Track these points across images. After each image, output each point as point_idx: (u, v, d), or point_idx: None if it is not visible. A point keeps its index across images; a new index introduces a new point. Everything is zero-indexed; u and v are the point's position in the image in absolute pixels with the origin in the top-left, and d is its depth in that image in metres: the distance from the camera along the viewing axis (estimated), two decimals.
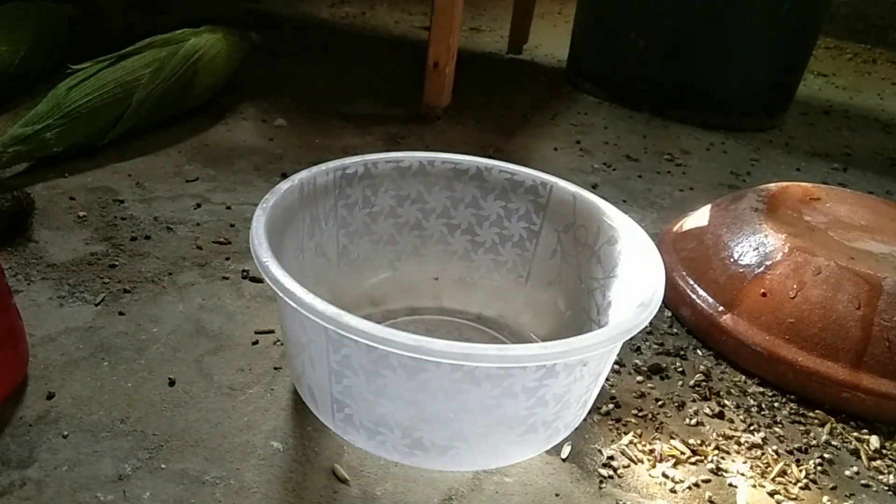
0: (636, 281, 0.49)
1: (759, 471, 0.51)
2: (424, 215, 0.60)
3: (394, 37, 1.60)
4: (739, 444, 0.53)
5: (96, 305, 0.59)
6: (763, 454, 0.52)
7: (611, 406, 0.55)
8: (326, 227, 0.56)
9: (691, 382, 0.59)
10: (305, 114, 1.07)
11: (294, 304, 0.40)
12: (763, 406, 0.57)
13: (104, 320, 0.57)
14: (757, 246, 0.65)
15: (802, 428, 0.56)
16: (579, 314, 0.56)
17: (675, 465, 0.50)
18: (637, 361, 0.60)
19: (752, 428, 0.55)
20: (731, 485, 0.49)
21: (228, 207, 0.77)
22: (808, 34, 1.28)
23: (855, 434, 0.56)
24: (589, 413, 0.52)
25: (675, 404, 0.56)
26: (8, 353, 0.49)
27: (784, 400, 0.59)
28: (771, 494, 0.49)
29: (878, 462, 0.53)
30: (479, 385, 0.40)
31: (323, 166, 0.55)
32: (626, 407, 0.55)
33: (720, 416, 0.56)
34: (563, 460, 0.49)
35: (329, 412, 0.46)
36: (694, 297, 0.66)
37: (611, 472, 0.49)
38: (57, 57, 0.99)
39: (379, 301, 0.61)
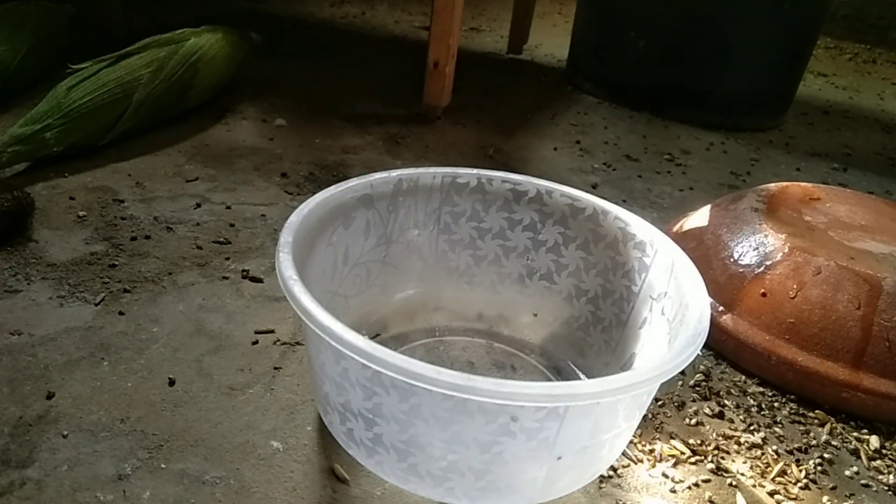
0: (689, 312, 0.45)
1: (759, 471, 0.51)
2: (480, 235, 0.59)
3: (394, 37, 1.60)
4: (739, 444, 0.53)
5: (96, 305, 0.59)
6: (763, 454, 0.52)
7: None
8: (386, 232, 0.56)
9: (691, 382, 0.59)
10: (305, 114, 1.07)
11: (298, 309, 0.40)
12: (763, 406, 0.57)
13: (104, 320, 0.57)
14: (757, 246, 0.65)
15: (802, 428, 0.56)
16: (626, 352, 0.54)
17: (675, 465, 0.50)
18: None
19: (752, 428, 0.55)
20: (731, 485, 0.49)
21: (228, 207, 0.77)
22: (808, 34, 1.28)
23: (855, 434, 0.56)
24: None
25: (675, 404, 0.56)
26: None
27: (784, 400, 0.59)
28: (771, 494, 0.49)
29: (878, 462, 0.53)
30: (473, 417, 0.38)
31: (392, 173, 0.55)
32: None
33: (720, 416, 0.56)
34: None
35: (336, 422, 0.45)
36: None
37: (611, 472, 0.49)
38: (57, 57, 0.99)
39: (416, 315, 0.60)
